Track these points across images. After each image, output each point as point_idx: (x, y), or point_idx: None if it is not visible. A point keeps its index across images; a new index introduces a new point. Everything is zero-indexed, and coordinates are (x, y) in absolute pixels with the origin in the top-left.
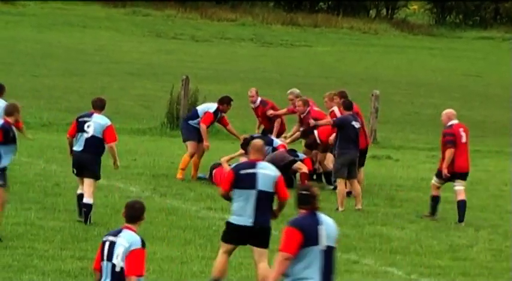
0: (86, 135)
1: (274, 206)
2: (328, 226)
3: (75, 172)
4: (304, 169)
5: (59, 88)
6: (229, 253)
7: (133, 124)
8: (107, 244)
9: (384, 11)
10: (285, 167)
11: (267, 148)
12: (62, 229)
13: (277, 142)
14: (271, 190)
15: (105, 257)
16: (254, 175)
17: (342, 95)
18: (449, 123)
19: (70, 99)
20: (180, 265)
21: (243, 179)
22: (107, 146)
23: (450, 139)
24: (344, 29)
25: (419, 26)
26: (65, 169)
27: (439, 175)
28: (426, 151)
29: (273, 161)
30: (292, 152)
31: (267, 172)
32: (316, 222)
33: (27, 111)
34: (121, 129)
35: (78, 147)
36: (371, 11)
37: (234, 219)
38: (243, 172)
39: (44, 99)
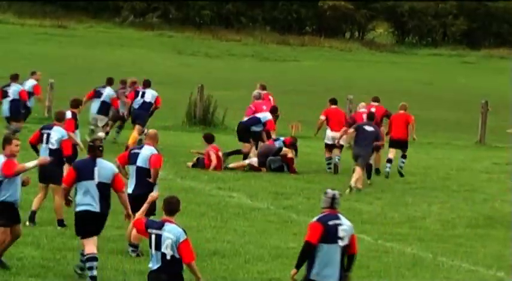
0: (49, 146)
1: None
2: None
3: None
4: (290, 154)
5: None
6: None
7: (160, 122)
8: (153, 236)
9: (356, 33)
10: (275, 154)
11: (258, 125)
12: None
13: (266, 117)
14: (147, 166)
15: (153, 248)
16: (137, 154)
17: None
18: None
19: None
20: (197, 232)
21: (131, 158)
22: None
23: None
24: (325, 48)
25: (384, 45)
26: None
27: None
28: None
29: (265, 153)
30: (276, 140)
31: (144, 152)
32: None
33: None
34: (151, 126)
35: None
36: (346, 33)
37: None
38: (132, 151)
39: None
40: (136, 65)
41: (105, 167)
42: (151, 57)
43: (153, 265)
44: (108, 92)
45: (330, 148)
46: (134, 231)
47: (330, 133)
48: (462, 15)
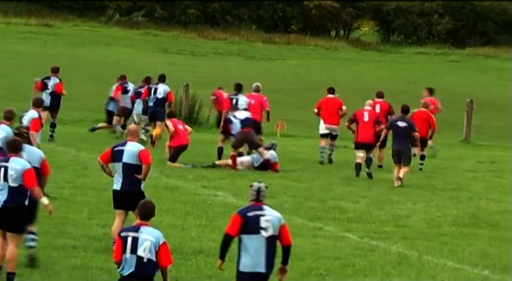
0: None
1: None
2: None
3: None
4: (265, 155)
5: (87, 93)
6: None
7: None
8: (129, 239)
9: (342, 32)
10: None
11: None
12: (89, 203)
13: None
14: (135, 162)
15: (128, 251)
16: (122, 150)
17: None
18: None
19: (96, 101)
20: (182, 231)
21: (115, 155)
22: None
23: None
24: (311, 46)
25: (369, 44)
26: (91, 156)
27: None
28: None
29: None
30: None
31: (130, 148)
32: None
33: (63, 111)
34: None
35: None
36: (331, 32)
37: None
38: (116, 149)
39: (75, 102)
40: (121, 63)
41: (33, 152)
42: (136, 56)
43: (125, 270)
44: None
45: (324, 137)
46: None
47: (323, 124)
48: (447, 14)
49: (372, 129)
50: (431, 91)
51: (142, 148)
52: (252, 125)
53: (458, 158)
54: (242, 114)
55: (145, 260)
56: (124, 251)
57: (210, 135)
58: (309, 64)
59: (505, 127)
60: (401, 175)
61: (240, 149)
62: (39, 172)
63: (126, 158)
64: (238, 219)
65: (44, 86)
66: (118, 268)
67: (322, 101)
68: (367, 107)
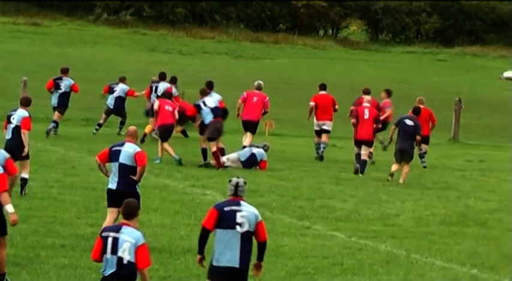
0: (11, 126)
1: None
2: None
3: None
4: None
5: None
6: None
7: (134, 120)
8: (110, 239)
9: (330, 31)
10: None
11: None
12: (77, 202)
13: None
14: (131, 164)
15: (108, 251)
16: (119, 151)
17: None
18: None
19: (84, 100)
20: (170, 230)
21: (112, 155)
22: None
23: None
24: (299, 45)
25: (357, 43)
26: (80, 155)
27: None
28: None
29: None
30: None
31: (127, 149)
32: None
33: (50, 111)
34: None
35: (7, 136)
36: (320, 31)
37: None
38: (113, 149)
39: None
40: (109, 62)
41: None
42: (124, 54)
43: (107, 271)
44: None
45: (318, 133)
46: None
47: (316, 121)
48: (435, 13)
49: (372, 126)
50: (389, 93)
51: (138, 149)
52: (221, 114)
53: (447, 157)
54: (212, 102)
55: (125, 261)
56: (105, 251)
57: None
58: (297, 63)
59: (493, 126)
60: (402, 180)
61: (221, 144)
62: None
63: (122, 159)
64: (214, 213)
65: (56, 86)
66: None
67: (315, 97)
68: (366, 104)
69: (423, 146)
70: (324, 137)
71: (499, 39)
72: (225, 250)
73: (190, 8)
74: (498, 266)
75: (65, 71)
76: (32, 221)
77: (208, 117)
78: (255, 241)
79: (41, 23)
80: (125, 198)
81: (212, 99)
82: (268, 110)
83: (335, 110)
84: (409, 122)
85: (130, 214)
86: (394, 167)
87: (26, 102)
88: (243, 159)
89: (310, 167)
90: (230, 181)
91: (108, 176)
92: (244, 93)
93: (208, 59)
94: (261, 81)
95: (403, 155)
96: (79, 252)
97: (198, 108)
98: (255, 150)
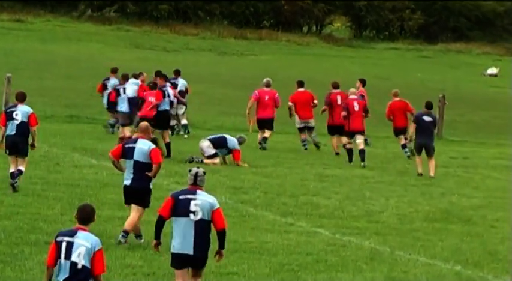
0: (16, 122)
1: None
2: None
3: (7, 152)
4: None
5: (59, 88)
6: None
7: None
8: (64, 244)
9: (314, 28)
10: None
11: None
12: (61, 198)
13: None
14: (146, 160)
15: (62, 256)
16: (133, 148)
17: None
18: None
19: (68, 97)
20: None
21: (126, 152)
22: (30, 129)
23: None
24: (283, 42)
25: (341, 39)
26: (64, 151)
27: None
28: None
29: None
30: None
31: (141, 146)
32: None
33: (34, 107)
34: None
35: (10, 132)
36: (304, 28)
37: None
38: (127, 146)
39: (47, 97)
40: (93, 59)
41: None
42: (108, 51)
43: (60, 276)
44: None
45: (302, 130)
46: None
47: (298, 119)
48: (419, 10)
49: (362, 117)
50: (363, 82)
51: (153, 146)
52: (136, 103)
53: None
54: (130, 91)
55: (79, 266)
56: (59, 256)
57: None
58: (281, 60)
59: (477, 123)
60: (432, 173)
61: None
62: None
63: (137, 156)
64: (170, 201)
65: (104, 87)
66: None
67: (294, 96)
68: (353, 96)
69: (402, 137)
70: (309, 133)
71: (483, 37)
72: (180, 238)
73: (174, 5)
74: (482, 262)
75: (114, 71)
76: (15, 218)
77: (124, 105)
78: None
79: (24, 19)
80: (139, 194)
81: (131, 89)
82: (279, 105)
83: (314, 106)
84: (426, 118)
85: (86, 219)
86: (418, 160)
87: (22, 98)
88: (210, 137)
89: (294, 164)
90: (190, 170)
91: (123, 172)
92: (256, 92)
93: (193, 55)
94: (269, 79)
95: (426, 150)
96: None
97: (117, 93)
98: (228, 136)
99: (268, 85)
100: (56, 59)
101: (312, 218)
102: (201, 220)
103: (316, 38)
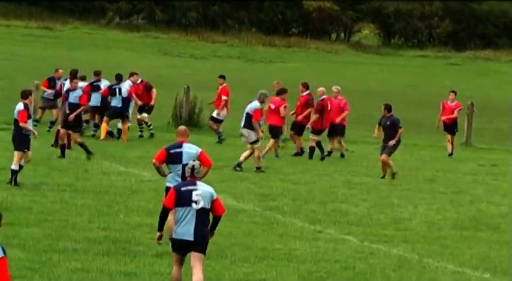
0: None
1: None
2: None
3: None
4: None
5: None
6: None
7: None
8: None
9: (342, 35)
10: None
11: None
12: (89, 206)
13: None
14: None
15: None
16: (180, 153)
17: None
18: (322, 97)
19: None
20: None
21: (173, 157)
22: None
23: (319, 108)
24: (311, 49)
25: (370, 47)
26: (92, 158)
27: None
28: (375, 144)
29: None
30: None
31: (189, 150)
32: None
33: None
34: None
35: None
36: (332, 35)
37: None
38: (172, 151)
39: None
40: (121, 66)
41: None
42: (136, 58)
43: None
44: None
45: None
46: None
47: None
48: (447, 17)
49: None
50: (306, 86)
51: (200, 149)
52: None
53: (459, 161)
54: (125, 91)
55: None
56: None
57: (210, 138)
58: (309, 67)
59: (505, 130)
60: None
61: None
62: None
63: (186, 160)
64: (173, 193)
65: (95, 89)
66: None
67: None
68: (325, 96)
69: (339, 138)
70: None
71: (511, 43)
72: (182, 225)
73: (203, 12)
74: (511, 270)
75: (98, 74)
76: (44, 225)
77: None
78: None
79: (53, 26)
80: None
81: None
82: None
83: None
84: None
85: None
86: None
87: (23, 95)
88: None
89: (322, 170)
90: (186, 164)
91: (165, 176)
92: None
93: (221, 62)
94: (324, 88)
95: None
96: (91, 256)
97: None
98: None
99: (323, 94)
100: (83, 67)
101: (340, 226)
102: (202, 208)
103: (345, 45)
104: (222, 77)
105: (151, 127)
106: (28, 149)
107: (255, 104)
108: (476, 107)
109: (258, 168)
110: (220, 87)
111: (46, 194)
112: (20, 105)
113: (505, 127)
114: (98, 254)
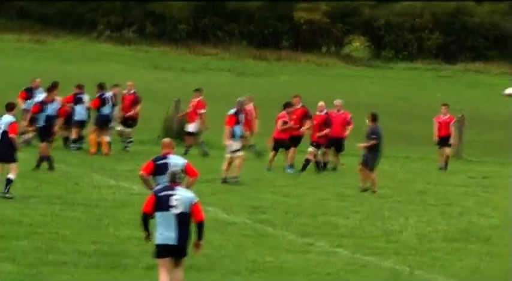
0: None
1: None
2: None
3: None
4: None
5: None
6: None
7: (136, 136)
8: None
9: (333, 48)
10: None
11: None
12: (79, 219)
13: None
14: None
15: None
16: (166, 164)
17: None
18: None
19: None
20: None
21: (160, 168)
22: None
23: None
24: (302, 62)
25: (360, 59)
26: (82, 171)
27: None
28: None
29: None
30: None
31: (175, 161)
32: None
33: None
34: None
35: None
36: (322, 48)
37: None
38: (158, 162)
39: None
40: (112, 79)
41: None
42: (127, 72)
43: None
44: None
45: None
46: None
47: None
48: (438, 30)
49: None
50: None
51: (185, 161)
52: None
53: (450, 173)
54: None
55: None
56: None
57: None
58: (300, 80)
59: (496, 142)
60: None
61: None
62: None
63: None
64: (151, 198)
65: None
66: None
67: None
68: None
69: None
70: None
71: (502, 56)
72: (163, 230)
73: (193, 25)
74: None
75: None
76: (33, 238)
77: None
78: None
79: (44, 40)
80: None
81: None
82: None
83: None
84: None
85: None
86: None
87: (9, 107)
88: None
89: (314, 183)
90: (168, 170)
91: (152, 189)
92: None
93: (211, 76)
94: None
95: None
96: (81, 269)
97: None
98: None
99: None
100: (74, 80)
101: (331, 238)
102: (181, 213)
103: (335, 58)
104: (198, 90)
105: (131, 143)
106: (13, 161)
107: (230, 111)
108: (467, 120)
109: (232, 178)
110: (195, 99)
111: (36, 207)
112: (11, 118)
113: (495, 139)
114: (88, 267)
